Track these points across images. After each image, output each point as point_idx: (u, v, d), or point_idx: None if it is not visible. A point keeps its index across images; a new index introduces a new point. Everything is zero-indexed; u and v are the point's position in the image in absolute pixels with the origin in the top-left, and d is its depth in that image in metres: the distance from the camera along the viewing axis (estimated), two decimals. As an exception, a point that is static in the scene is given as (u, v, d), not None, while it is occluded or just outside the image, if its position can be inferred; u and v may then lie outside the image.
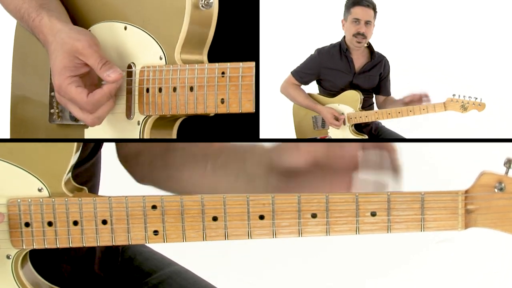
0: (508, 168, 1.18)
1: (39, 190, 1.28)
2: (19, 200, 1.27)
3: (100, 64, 1.32)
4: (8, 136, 1.66)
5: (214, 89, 1.26)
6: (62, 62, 1.33)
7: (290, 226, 1.23)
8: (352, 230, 1.22)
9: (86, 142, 1.48)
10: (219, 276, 1.99)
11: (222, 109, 1.26)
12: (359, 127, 2.70)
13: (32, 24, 1.41)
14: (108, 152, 1.60)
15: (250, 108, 1.24)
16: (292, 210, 1.23)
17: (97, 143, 1.52)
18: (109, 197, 1.27)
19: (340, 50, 2.63)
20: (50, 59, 1.37)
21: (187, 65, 1.30)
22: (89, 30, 1.44)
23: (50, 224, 1.28)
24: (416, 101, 2.51)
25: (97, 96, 1.32)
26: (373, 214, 1.22)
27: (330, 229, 1.23)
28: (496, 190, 1.18)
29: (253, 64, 1.23)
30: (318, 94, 2.75)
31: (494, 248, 3.13)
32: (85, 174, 1.49)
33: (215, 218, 1.25)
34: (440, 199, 1.20)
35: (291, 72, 2.69)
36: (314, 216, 1.23)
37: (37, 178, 1.28)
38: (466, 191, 1.20)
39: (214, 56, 1.37)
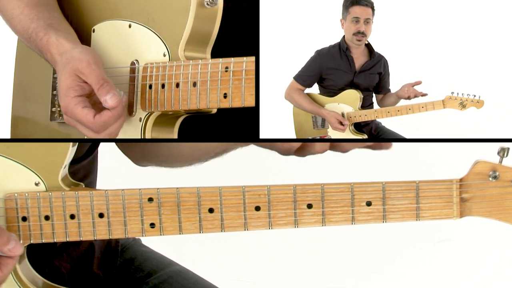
0: (502, 157, 1.18)
1: (36, 184, 1.28)
2: (16, 195, 1.28)
3: (98, 85, 1.29)
4: (8, 134, 1.67)
5: (217, 84, 1.25)
6: (65, 82, 1.31)
7: (286, 217, 1.24)
8: (348, 220, 1.23)
9: (83, 142, 1.49)
10: (219, 275, 2.00)
11: (225, 104, 1.25)
12: (359, 127, 2.69)
13: (40, 44, 1.39)
14: (106, 151, 1.61)
15: (252, 102, 1.23)
16: (288, 200, 1.23)
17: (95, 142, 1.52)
18: (106, 190, 1.27)
19: (340, 49, 2.63)
20: (58, 79, 1.35)
21: (191, 61, 1.30)
22: (93, 31, 1.44)
23: (47, 218, 1.28)
24: (412, 96, 2.51)
25: (104, 117, 1.29)
26: (369, 203, 1.22)
27: (326, 220, 1.23)
28: (490, 178, 1.19)
29: (254, 58, 1.23)
30: (318, 94, 2.75)
31: (493, 248, 3.13)
32: (82, 172, 1.50)
33: (211, 210, 1.25)
34: (435, 188, 1.20)
35: (294, 77, 2.69)
36: (309, 206, 1.23)
37: (34, 172, 1.28)
38: (461, 180, 1.21)
39: (217, 54, 1.37)
